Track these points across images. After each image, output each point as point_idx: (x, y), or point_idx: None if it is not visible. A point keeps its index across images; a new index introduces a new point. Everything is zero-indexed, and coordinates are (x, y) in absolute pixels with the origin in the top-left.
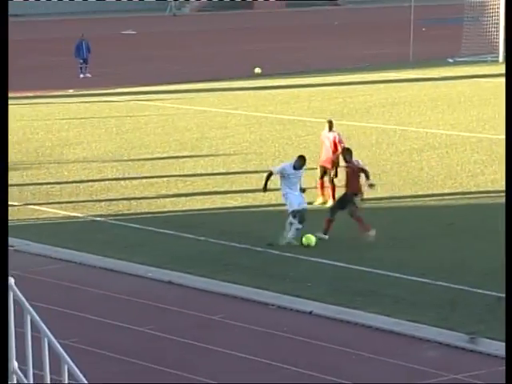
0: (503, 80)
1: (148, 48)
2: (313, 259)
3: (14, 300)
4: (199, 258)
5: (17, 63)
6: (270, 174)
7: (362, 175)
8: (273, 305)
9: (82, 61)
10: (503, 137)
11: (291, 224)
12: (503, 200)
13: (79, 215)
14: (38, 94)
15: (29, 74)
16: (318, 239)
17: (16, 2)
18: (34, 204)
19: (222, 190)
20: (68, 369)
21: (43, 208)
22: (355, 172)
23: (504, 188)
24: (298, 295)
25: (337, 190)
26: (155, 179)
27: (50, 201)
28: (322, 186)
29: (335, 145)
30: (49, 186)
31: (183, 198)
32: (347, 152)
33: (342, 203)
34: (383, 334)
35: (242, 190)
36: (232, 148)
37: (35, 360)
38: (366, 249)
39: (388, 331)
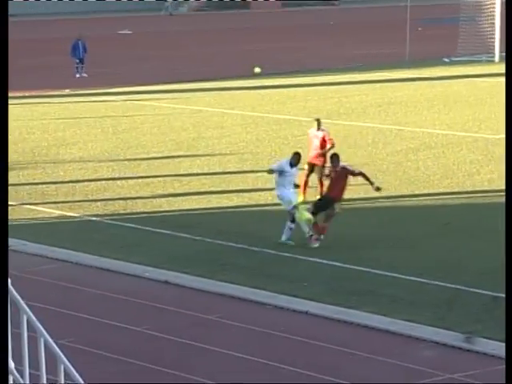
0: (499, 80)
1: (144, 48)
2: (311, 259)
3: (10, 300)
4: (196, 258)
5: (14, 63)
6: (271, 171)
7: (350, 178)
8: (270, 305)
9: (78, 61)
10: (499, 136)
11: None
12: (499, 199)
13: (75, 215)
14: (34, 93)
15: (25, 74)
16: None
17: (16, 2)
18: (31, 204)
19: (219, 189)
20: (64, 369)
21: (39, 208)
22: (340, 177)
23: (500, 187)
24: (295, 295)
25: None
26: (151, 179)
27: (46, 200)
28: (306, 185)
29: (324, 142)
30: (45, 185)
31: (179, 198)
32: (335, 157)
33: (324, 204)
34: (380, 334)
35: (239, 189)
36: (228, 148)
37: (31, 360)
38: (363, 249)
39: (384, 331)
